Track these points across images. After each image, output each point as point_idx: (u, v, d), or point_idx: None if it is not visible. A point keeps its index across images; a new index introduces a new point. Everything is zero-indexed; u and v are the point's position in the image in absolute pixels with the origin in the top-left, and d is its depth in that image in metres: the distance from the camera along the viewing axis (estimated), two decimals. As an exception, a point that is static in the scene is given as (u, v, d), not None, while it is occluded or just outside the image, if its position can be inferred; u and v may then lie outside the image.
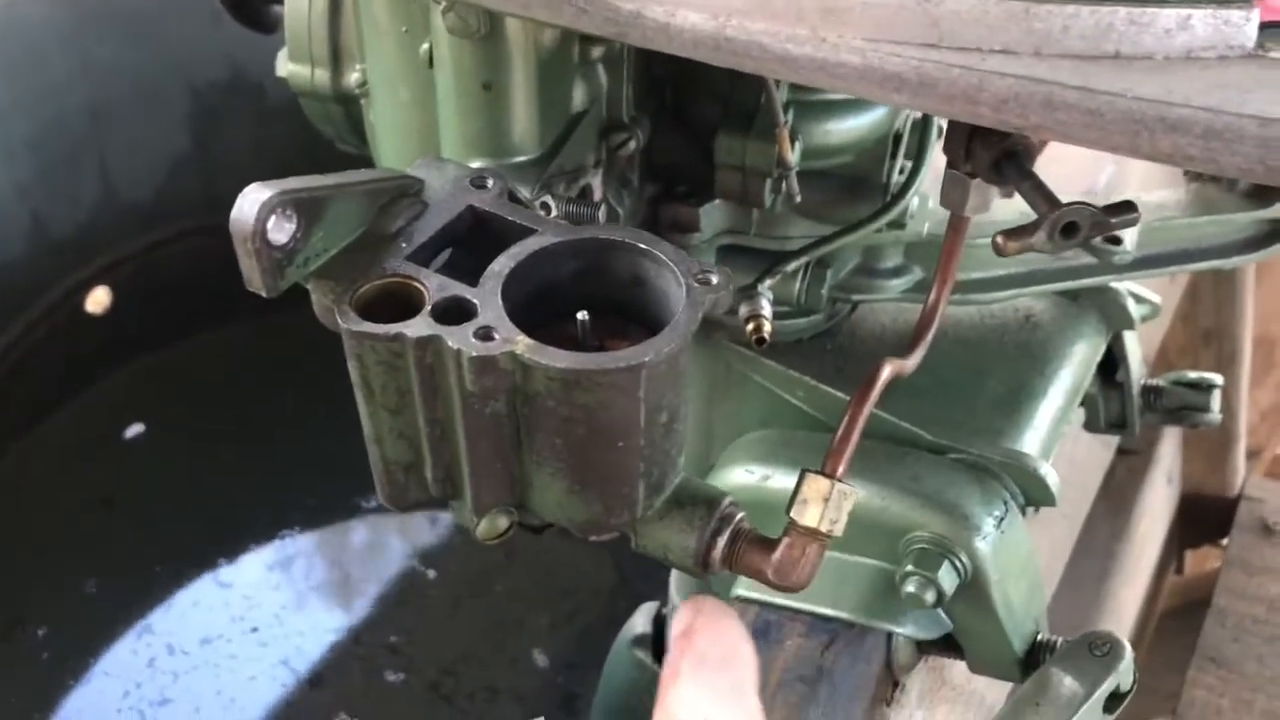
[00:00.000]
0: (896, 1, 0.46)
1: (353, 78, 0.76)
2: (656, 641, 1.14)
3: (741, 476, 0.78)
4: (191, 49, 1.63)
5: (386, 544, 1.63)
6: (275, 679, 1.46)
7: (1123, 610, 1.39)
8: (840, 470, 0.53)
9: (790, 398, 0.81)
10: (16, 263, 1.59)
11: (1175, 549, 1.68)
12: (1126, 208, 0.50)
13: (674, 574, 1.04)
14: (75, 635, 1.50)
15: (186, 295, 1.71)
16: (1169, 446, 1.51)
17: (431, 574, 1.59)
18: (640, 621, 1.14)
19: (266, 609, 1.53)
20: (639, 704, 1.13)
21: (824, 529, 0.51)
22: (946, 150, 0.56)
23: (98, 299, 1.70)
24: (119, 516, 1.63)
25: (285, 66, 0.79)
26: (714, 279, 0.50)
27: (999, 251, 0.50)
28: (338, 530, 1.65)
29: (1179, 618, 1.64)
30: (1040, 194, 0.50)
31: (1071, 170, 1.10)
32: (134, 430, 1.74)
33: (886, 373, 0.55)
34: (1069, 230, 0.49)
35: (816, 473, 0.52)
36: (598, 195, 0.72)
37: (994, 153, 0.53)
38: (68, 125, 1.57)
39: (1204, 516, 1.62)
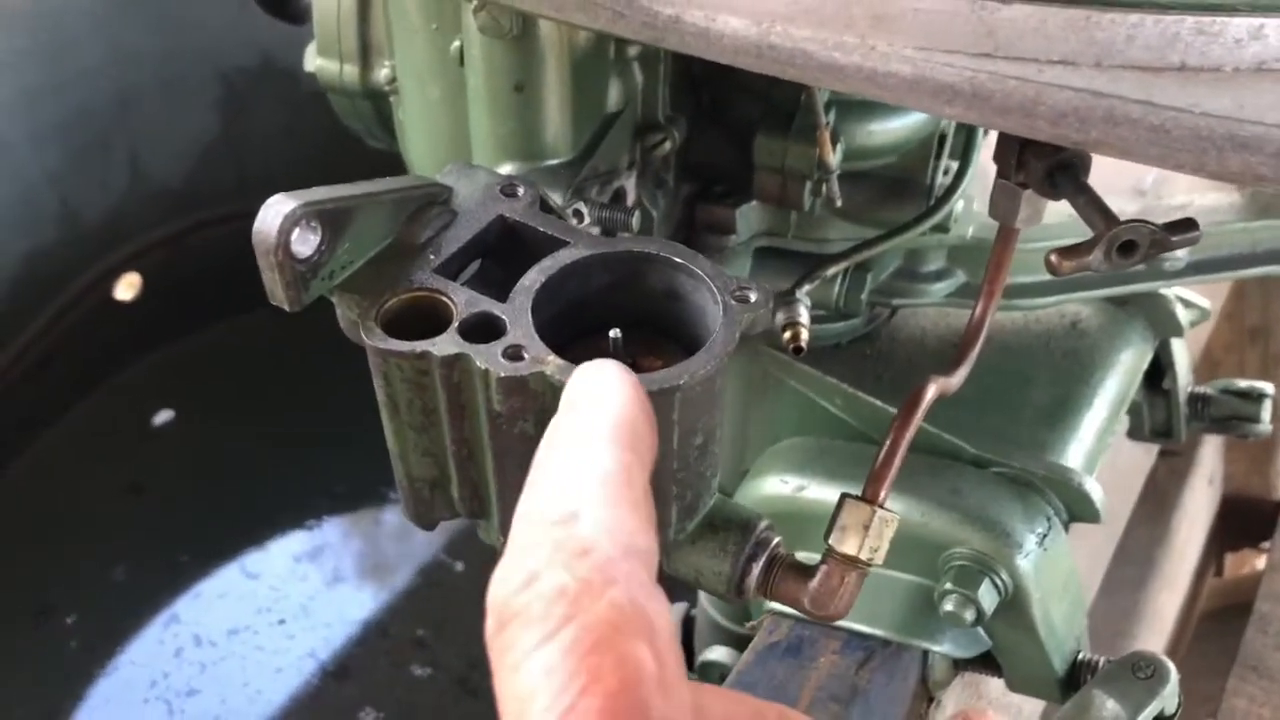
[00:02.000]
0: (950, 8, 0.43)
1: (382, 74, 0.74)
2: (685, 642, 1.12)
3: (775, 486, 0.76)
4: (220, 35, 1.62)
5: (414, 535, 1.62)
6: (301, 671, 1.46)
7: (1161, 616, 1.36)
8: (882, 496, 0.51)
9: (827, 405, 0.79)
10: (47, 249, 1.59)
11: (1215, 551, 1.64)
12: (1187, 225, 0.47)
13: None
14: (103, 624, 1.49)
15: (216, 281, 1.70)
16: (1211, 447, 1.48)
17: (459, 566, 1.58)
18: (669, 623, 1.13)
19: (293, 600, 1.53)
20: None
21: (864, 557, 0.49)
22: (997, 159, 0.54)
23: (127, 285, 1.69)
24: (148, 503, 1.63)
25: (314, 61, 0.77)
26: (753, 296, 0.47)
27: (1053, 271, 0.47)
28: (366, 520, 1.64)
29: (1218, 620, 1.60)
30: (1097, 210, 0.48)
31: (1117, 165, 1.06)
32: (163, 417, 1.74)
33: (930, 394, 0.53)
34: (1126, 249, 0.47)
35: (857, 498, 0.50)
36: (631, 198, 0.70)
37: (1047, 164, 0.51)
38: (97, 111, 1.56)
39: (1245, 519, 1.59)
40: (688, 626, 1.12)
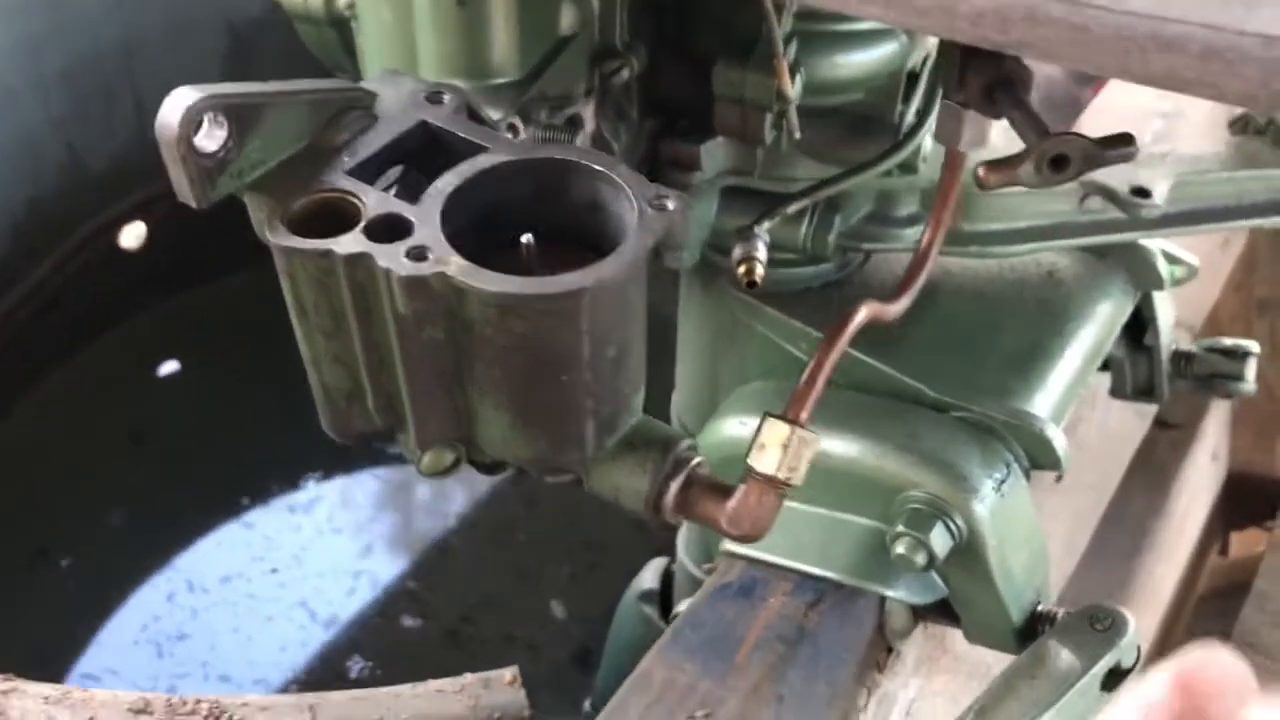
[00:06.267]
0: (870, -97, 0.42)
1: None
2: (664, 597, 1.11)
3: (735, 428, 0.75)
4: (227, -18, 1.62)
5: (410, 489, 1.62)
6: (292, 620, 1.46)
7: (1157, 588, 1.34)
8: (804, 416, 0.49)
9: (793, 349, 0.78)
10: (52, 196, 1.59)
11: (1219, 530, 1.61)
12: (1122, 140, 0.46)
13: (681, 531, 1.02)
14: (99, 568, 1.51)
15: (222, 232, 1.69)
16: (1215, 422, 1.45)
17: (453, 521, 1.58)
18: (649, 577, 1.12)
19: (287, 550, 1.53)
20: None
21: (782, 476, 0.48)
22: (940, 78, 0.52)
23: (133, 234, 1.69)
24: (147, 452, 1.64)
25: (279, -13, 0.77)
26: (670, 204, 0.46)
27: (980, 184, 0.46)
28: (361, 475, 1.64)
29: (1221, 600, 1.57)
30: (1030, 123, 0.46)
31: (1116, 124, 1.04)
32: (168, 367, 1.75)
33: (861, 315, 0.51)
34: (1058, 163, 0.45)
35: (778, 417, 0.49)
36: (590, 127, 0.69)
37: (986, 80, 0.49)
38: (102, 58, 1.56)
39: (1251, 497, 1.56)
40: (667, 581, 1.11)
